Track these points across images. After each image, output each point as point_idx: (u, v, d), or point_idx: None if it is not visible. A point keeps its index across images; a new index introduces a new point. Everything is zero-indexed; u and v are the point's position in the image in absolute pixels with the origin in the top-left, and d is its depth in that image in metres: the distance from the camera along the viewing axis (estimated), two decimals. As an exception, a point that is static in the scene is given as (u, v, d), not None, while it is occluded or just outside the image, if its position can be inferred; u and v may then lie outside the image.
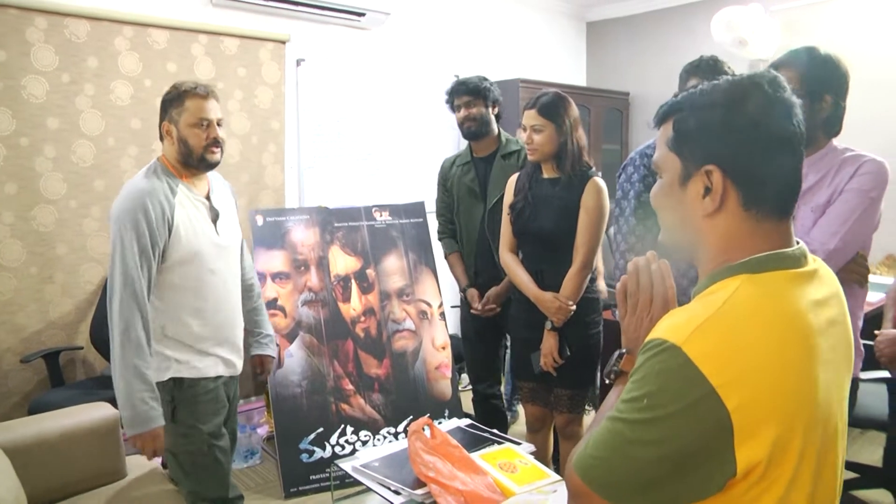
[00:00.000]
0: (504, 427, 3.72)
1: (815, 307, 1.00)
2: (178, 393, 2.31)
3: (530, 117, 2.69)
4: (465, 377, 5.05)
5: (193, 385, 2.35)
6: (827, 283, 1.08)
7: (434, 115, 5.01)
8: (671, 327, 0.95)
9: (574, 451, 1.05)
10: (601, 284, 2.93)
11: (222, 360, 2.44)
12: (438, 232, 3.52)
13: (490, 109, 3.25)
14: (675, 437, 0.91)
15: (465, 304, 3.45)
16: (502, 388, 4.30)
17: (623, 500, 0.97)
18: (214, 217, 2.36)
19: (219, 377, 2.41)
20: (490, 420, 3.63)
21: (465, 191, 3.32)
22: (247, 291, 2.66)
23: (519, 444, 2.42)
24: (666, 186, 1.09)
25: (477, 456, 2.25)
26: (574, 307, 2.70)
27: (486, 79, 3.29)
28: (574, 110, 2.73)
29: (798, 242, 1.06)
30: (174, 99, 2.24)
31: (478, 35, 5.26)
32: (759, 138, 1.00)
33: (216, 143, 2.28)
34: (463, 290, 3.37)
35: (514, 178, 2.90)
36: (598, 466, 0.99)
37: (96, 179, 3.55)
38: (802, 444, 0.93)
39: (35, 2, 3.33)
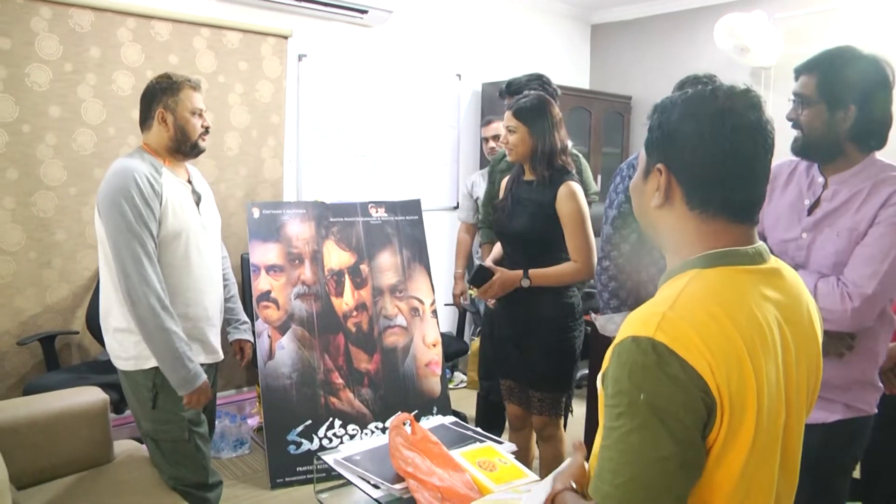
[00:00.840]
0: (501, 425, 3.75)
1: (763, 301, 1.07)
2: (160, 380, 2.34)
3: (507, 118, 2.75)
4: (458, 375, 5.11)
5: None
6: (789, 286, 1.14)
7: (433, 114, 5.05)
8: (636, 324, 1.02)
9: (591, 487, 1.04)
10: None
11: (203, 348, 2.49)
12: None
13: None
14: (682, 422, 0.95)
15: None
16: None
17: None
18: (197, 200, 2.46)
19: (200, 365, 2.42)
20: (489, 418, 3.68)
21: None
22: (224, 279, 2.73)
23: (501, 443, 2.46)
24: (637, 178, 1.20)
25: (457, 453, 2.27)
26: (527, 283, 2.71)
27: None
28: (554, 113, 2.74)
29: (758, 242, 1.13)
30: (168, 88, 2.34)
31: (481, 35, 5.29)
32: (704, 147, 1.07)
33: (207, 131, 2.43)
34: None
35: (507, 177, 2.97)
36: (630, 490, 0.97)
37: (96, 168, 3.60)
38: (750, 432, 0.99)
39: (35, -10, 3.37)
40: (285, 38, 4.25)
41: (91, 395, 2.73)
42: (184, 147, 2.38)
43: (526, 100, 2.74)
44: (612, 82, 5.90)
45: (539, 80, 3.27)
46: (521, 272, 2.70)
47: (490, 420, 3.72)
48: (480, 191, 4.08)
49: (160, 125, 2.35)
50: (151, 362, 2.31)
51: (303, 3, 4.21)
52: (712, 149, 1.07)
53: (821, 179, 1.99)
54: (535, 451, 3.10)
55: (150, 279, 2.20)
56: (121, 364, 2.37)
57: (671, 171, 1.11)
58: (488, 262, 2.86)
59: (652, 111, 1.16)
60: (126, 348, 2.33)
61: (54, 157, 3.48)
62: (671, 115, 1.11)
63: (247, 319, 2.86)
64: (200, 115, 2.39)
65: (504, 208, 2.85)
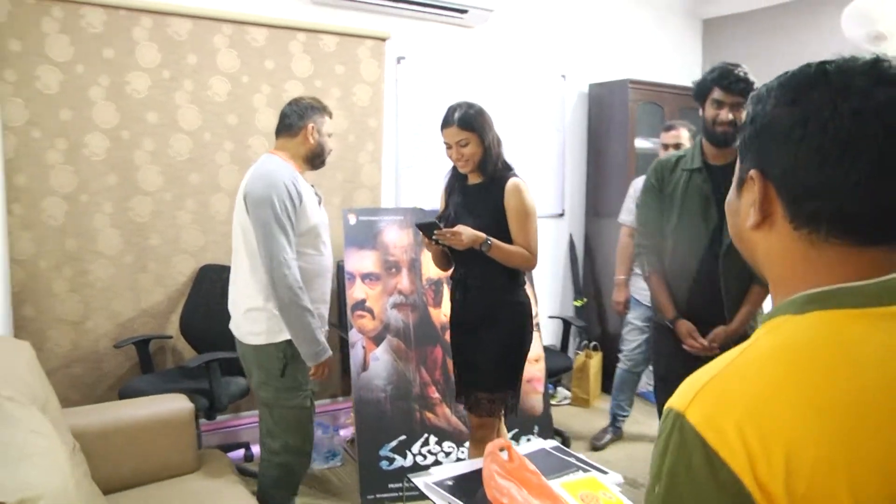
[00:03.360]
0: None
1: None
2: (290, 352, 2.67)
3: (452, 134, 2.71)
4: (561, 391, 4.87)
5: None
6: None
7: (537, 117, 4.85)
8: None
9: None
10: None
11: (322, 325, 2.78)
12: (638, 244, 2.96)
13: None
14: None
15: (661, 329, 2.92)
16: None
17: None
18: (319, 201, 2.84)
19: None
20: None
21: (697, 200, 2.69)
22: None
23: (606, 472, 2.25)
24: (731, 192, 0.91)
25: (557, 484, 2.12)
26: (486, 248, 2.65)
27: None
28: (488, 115, 2.79)
29: None
30: (320, 110, 2.78)
31: (585, 34, 5.05)
32: (808, 141, 0.78)
33: (330, 152, 2.87)
34: (671, 322, 2.76)
35: (443, 188, 2.96)
36: None
37: (191, 173, 3.62)
38: None
39: (141, 2, 3.43)
40: (383, 40, 4.17)
41: (177, 404, 2.73)
42: (316, 161, 2.81)
43: (460, 111, 2.71)
44: (728, 80, 5.48)
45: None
46: (483, 235, 2.64)
47: None
48: None
49: (307, 137, 2.74)
50: (283, 336, 2.64)
51: (401, 5, 4.12)
52: (820, 143, 0.77)
53: None
54: None
55: (291, 264, 2.57)
56: (251, 339, 2.69)
57: (767, 179, 0.82)
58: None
59: (748, 103, 0.89)
60: (259, 324, 2.65)
61: (151, 163, 3.52)
62: (766, 105, 0.83)
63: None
64: (330, 138, 2.84)
65: (448, 217, 2.82)
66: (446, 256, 2.86)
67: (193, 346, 3.56)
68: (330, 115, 2.82)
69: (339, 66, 4.02)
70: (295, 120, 2.74)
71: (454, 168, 2.86)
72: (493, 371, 2.78)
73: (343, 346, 3.88)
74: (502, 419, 2.94)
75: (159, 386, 3.21)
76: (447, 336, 3.57)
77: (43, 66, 3.24)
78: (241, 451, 3.74)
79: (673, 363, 2.77)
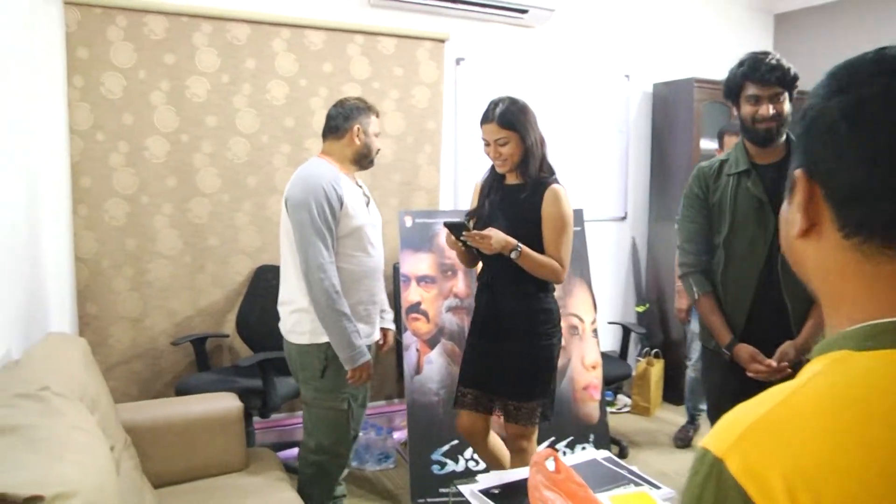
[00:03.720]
0: None
1: None
2: (331, 355, 2.66)
3: (491, 131, 2.60)
4: (621, 398, 4.76)
5: None
6: None
7: (600, 117, 4.75)
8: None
9: None
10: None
11: (371, 329, 2.82)
12: (682, 264, 2.60)
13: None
14: None
15: (710, 356, 2.64)
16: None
17: None
18: (366, 202, 2.82)
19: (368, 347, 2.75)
20: None
21: (749, 206, 2.41)
22: None
23: (659, 487, 2.17)
24: (786, 199, 0.79)
25: (605, 497, 2.06)
26: (515, 255, 2.53)
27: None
28: (532, 113, 2.65)
29: None
30: (365, 110, 2.76)
31: (649, 31, 4.92)
32: (858, 136, 0.68)
33: (378, 152, 2.86)
34: (727, 348, 2.44)
35: (476, 184, 2.85)
36: None
37: (249, 175, 3.68)
38: None
39: (201, 8, 3.52)
40: (442, 41, 4.16)
41: (227, 402, 2.78)
42: (364, 161, 2.80)
43: (502, 107, 2.59)
44: (801, 78, 5.22)
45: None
46: (514, 241, 2.53)
47: None
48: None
49: (353, 138, 2.73)
50: (325, 337, 2.64)
51: (460, 6, 4.10)
52: (871, 136, 0.67)
53: None
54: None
55: (327, 267, 2.55)
56: (295, 338, 2.71)
57: (813, 179, 0.72)
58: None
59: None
60: (303, 325, 2.66)
61: (210, 165, 3.60)
62: (816, 97, 0.73)
63: (391, 310, 3.11)
64: (378, 137, 2.82)
65: (481, 215, 2.72)
66: (472, 253, 2.75)
67: (249, 344, 3.62)
68: (377, 114, 2.80)
69: (397, 68, 4.03)
70: (340, 122, 2.74)
71: (492, 168, 2.75)
72: (524, 380, 2.69)
73: (398, 349, 3.88)
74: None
75: (214, 383, 3.27)
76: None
77: (107, 73, 3.36)
78: (295, 450, 3.77)
79: (724, 394, 2.48)
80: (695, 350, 4.05)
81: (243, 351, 3.68)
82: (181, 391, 3.25)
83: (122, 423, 2.39)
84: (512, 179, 2.70)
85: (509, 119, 2.57)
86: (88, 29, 3.31)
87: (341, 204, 2.62)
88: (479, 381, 2.76)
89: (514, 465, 2.80)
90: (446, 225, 2.57)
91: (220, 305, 3.68)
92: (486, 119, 2.61)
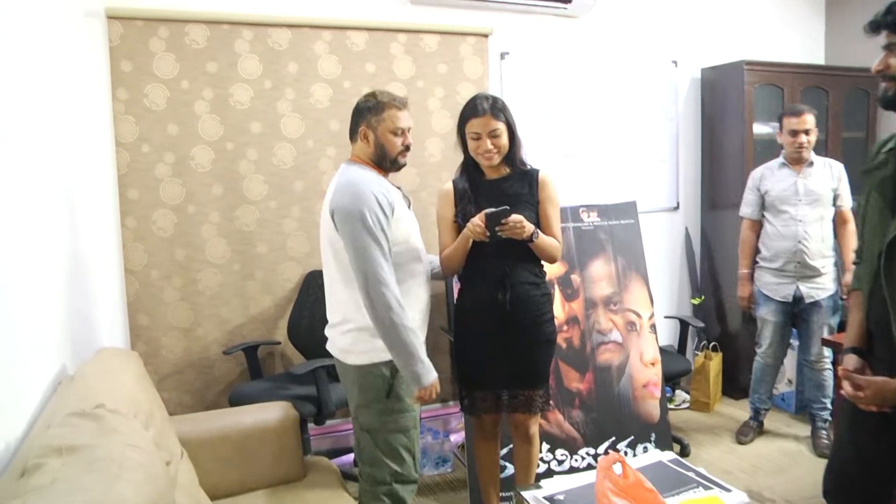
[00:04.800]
0: None
1: None
2: (396, 370, 2.45)
3: (484, 124, 2.62)
4: (680, 393, 4.63)
5: None
6: None
7: (648, 106, 4.63)
8: None
9: None
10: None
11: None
12: (855, 251, 2.18)
13: None
14: None
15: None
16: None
17: None
18: (408, 204, 2.62)
19: None
20: None
21: (877, 193, 2.00)
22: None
23: (729, 490, 2.07)
24: None
25: (675, 503, 1.98)
26: (535, 239, 2.63)
27: None
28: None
29: None
30: (373, 107, 2.47)
31: (695, 15, 4.76)
32: None
33: (408, 148, 2.54)
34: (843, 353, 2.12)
35: (447, 189, 2.81)
36: None
37: (295, 181, 3.65)
38: None
39: (241, 15, 3.50)
40: (486, 36, 4.08)
41: (282, 412, 2.74)
42: (384, 163, 2.52)
43: (489, 101, 2.66)
44: (853, 54, 5.02)
45: None
46: (532, 225, 2.63)
47: None
48: (769, 185, 3.83)
49: (362, 141, 2.50)
50: (386, 355, 2.42)
51: (502, -1, 4.02)
52: None
53: None
54: None
55: (389, 280, 2.33)
56: (354, 359, 2.47)
57: None
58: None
59: None
60: (362, 343, 2.44)
61: (256, 172, 3.58)
62: None
63: None
64: (402, 134, 2.50)
65: (468, 214, 2.67)
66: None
67: (301, 351, 3.60)
68: (399, 107, 2.48)
69: (441, 66, 3.97)
70: (351, 125, 2.55)
71: (465, 169, 2.79)
72: (538, 367, 2.79)
73: (451, 350, 3.83)
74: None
75: (268, 391, 3.27)
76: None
77: (151, 84, 3.36)
78: (352, 455, 3.75)
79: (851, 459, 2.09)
80: (764, 337, 3.96)
81: (295, 357, 3.66)
82: (234, 400, 3.24)
83: (178, 436, 2.38)
84: (492, 174, 2.76)
85: (501, 110, 2.65)
86: (131, 42, 3.31)
87: (392, 211, 2.42)
88: (492, 380, 2.78)
89: (526, 453, 2.91)
90: (488, 214, 2.52)
91: (271, 312, 3.66)
92: (477, 112, 2.63)
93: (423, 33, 3.91)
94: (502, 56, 4.20)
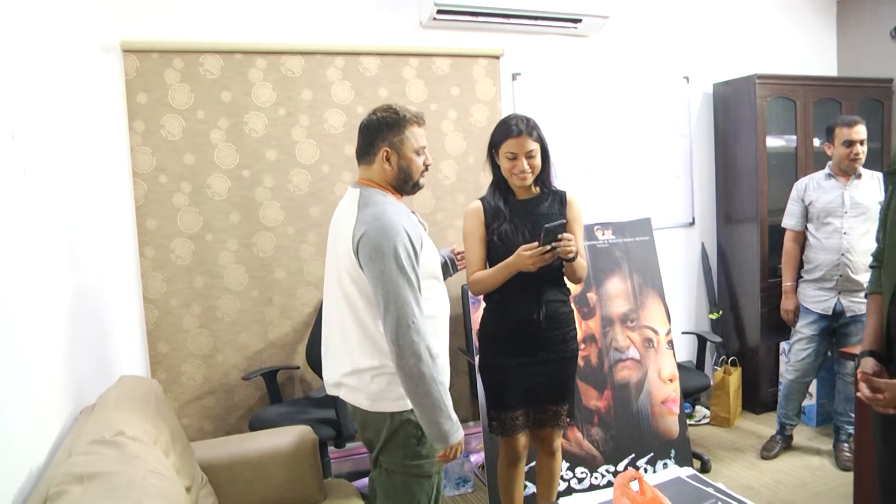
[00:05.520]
0: None
1: None
2: None
3: (522, 144, 2.60)
4: (700, 409, 4.59)
5: None
6: None
7: (661, 122, 4.64)
8: None
9: None
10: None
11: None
12: (872, 255, 2.35)
13: None
14: None
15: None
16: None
17: None
18: (424, 228, 2.34)
19: None
20: None
21: None
22: None
23: None
24: None
25: None
26: (572, 258, 2.61)
27: None
28: None
29: None
30: (394, 124, 2.20)
31: (706, 30, 4.78)
32: None
33: (427, 168, 2.31)
34: (860, 357, 2.15)
35: (476, 207, 2.75)
36: None
37: (312, 206, 3.69)
38: None
39: (254, 44, 3.56)
40: (497, 58, 4.12)
41: (301, 435, 2.75)
42: (406, 187, 2.27)
43: (525, 121, 2.64)
44: (867, 65, 5.01)
45: None
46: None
47: None
48: (815, 196, 3.80)
49: (383, 163, 2.21)
50: None
51: (512, 21, 4.04)
52: None
53: None
54: None
55: (420, 327, 2.06)
56: (389, 406, 2.19)
57: None
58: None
59: None
60: (396, 388, 2.15)
61: (272, 199, 3.62)
62: None
63: None
64: (423, 153, 2.27)
65: (513, 235, 2.67)
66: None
67: (319, 375, 3.59)
68: (419, 123, 2.23)
69: (453, 88, 4.00)
70: (365, 143, 2.24)
71: (497, 188, 2.75)
72: (566, 383, 2.82)
73: (470, 371, 3.84)
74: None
75: (287, 416, 3.28)
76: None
77: (167, 115, 3.41)
78: (372, 478, 3.76)
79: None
80: (796, 351, 3.91)
81: (314, 381, 3.68)
82: (255, 425, 3.26)
83: (198, 462, 2.40)
84: (523, 194, 2.75)
85: (537, 130, 2.65)
86: (147, 74, 3.38)
87: (421, 244, 2.17)
88: (525, 399, 2.77)
89: (550, 468, 2.94)
90: (547, 229, 2.45)
91: (290, 338, 3.69)
92: (515, 133, 2.61)
93: (435, 56, 3.96)
94: (514, 77, 4.23)
